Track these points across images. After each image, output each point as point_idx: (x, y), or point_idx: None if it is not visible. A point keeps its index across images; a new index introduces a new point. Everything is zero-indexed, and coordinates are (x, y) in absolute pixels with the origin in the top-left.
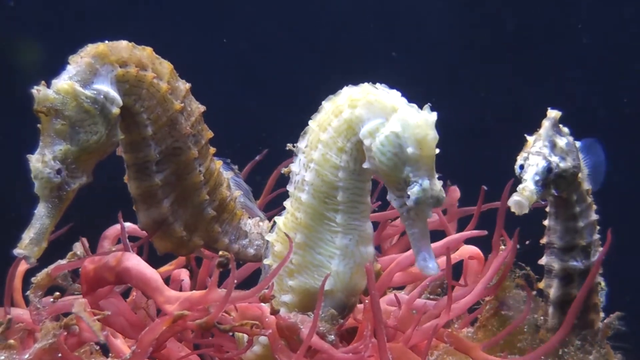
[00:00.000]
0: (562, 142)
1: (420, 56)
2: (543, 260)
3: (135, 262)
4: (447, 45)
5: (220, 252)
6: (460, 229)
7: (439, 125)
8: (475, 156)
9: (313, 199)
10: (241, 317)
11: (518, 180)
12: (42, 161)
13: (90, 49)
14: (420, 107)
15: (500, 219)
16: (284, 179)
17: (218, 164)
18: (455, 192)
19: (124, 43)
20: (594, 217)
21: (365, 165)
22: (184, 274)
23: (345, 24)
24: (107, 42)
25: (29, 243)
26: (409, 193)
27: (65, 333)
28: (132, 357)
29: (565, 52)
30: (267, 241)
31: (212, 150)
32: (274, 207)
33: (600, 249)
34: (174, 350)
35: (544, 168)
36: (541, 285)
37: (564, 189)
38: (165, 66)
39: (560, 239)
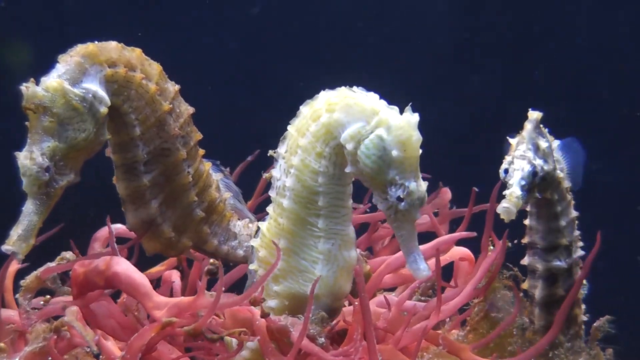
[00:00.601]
0: (544, 144)
1: (409, 57)
2: (526, 261)
3: (124, 267)
4: (435, 45)
5: (211, 261)
6: (452, 230)
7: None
8: (464, 157)
9: (294, 204)
10: (231, 320)
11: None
12: (30, 158)
13: (80, 48)
14: (402, 108)
15: (489, 220)
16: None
17: (207, 165)
18: (447, 193)
19: (113, 44)
20: (574, 214)
21: (348, 170)
22: (175, 276)
23: (336, 24)
24: (96, 42)
25: (17, 240)
26: (395, 196)
27: (55, 337)
28: None
29: (554, 52)
30: (252, 246)
31: (201, 152)
32: (264, 209)
33: (581, 243)
34: (164, 353)
35: (529, 172)
36: (525, 285)
37: (546, 190)
38: (154, 67)
39: (542, 239)
